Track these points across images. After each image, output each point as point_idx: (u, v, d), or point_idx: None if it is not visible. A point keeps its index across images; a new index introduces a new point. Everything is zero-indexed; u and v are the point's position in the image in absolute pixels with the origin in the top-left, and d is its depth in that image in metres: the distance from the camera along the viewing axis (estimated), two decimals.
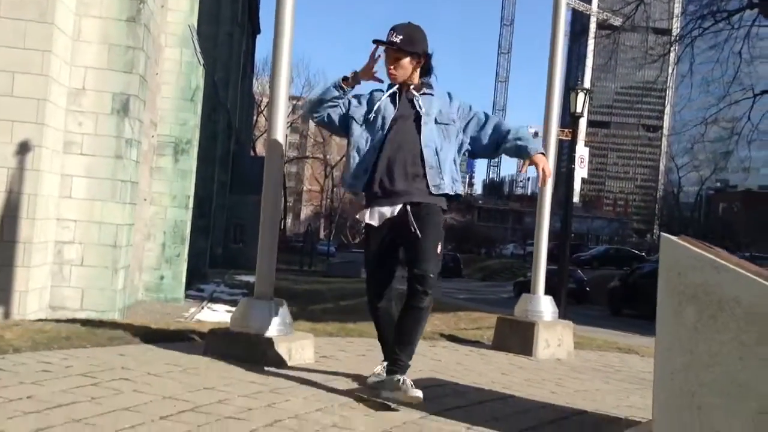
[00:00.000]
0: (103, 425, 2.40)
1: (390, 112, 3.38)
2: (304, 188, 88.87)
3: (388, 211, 3.28)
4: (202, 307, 14.41)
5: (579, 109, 12.91)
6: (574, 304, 21.97)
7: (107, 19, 9.38)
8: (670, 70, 27.23)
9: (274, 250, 3.98)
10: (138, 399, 2.80)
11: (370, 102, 3.46)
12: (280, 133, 4.05)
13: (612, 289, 22.67)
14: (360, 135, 3.43)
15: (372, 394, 3.17)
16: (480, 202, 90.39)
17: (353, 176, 3.38)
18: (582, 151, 13.51)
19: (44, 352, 3.55)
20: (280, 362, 3.73)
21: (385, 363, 3.31)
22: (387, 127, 3.34)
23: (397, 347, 3.19)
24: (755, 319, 2.40)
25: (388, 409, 3.03)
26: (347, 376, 3.72)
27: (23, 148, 8.22)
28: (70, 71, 9.24)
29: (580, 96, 12.79)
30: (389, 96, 3.42)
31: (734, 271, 2.45)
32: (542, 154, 3.44)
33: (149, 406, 2.71)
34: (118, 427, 2.40)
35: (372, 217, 3.31)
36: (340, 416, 2.86)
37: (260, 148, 49.85)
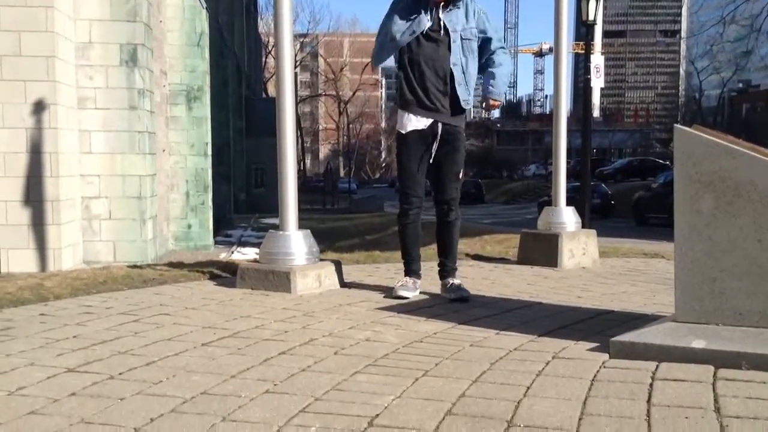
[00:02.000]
0: (148, 354, 2.53)
1: (424, 25, 3.73)
2: (320, 127, 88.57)
3: (421, 122, 3.79)
4: (232, 252, 14.66)
5: (591, 17, 12.58)
6: (600, 218, 21.96)
7: None
8: None
9: (295, 182, 4.04)
10: (179, 330, 2.92)
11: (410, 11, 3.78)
12: (288, 69, 4.05)
13: (637, 200, 22.57)
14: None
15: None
16: (498, 125, 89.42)
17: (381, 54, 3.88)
18: (597, 60, 13.23)
19: (84, 297, 3.69)
20: (310, 288, 3.85)
21: (409, 278, 3.86)
22: (420, 42, 3.74)
23: (442, 257, 3.95)
24: None
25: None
26: (377, 296, 3.82)
27: (38, 107, 8.29)
28: (75, 25, 9.21)
29: (592, 3, 12.44)
30: (424, 10, 3.74)
31: (749, 155, 2.46)
32: (497, 101, 3.97)
33: (190, 336, 2.83)
34: (163, 355, 2.52)
35: (403, 125, 3.82)
36: (373, 331, 2.96)
37: (272, 90, 49.53)
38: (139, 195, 9.69)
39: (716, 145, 2.50)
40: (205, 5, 14.78)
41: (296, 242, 3.95)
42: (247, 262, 4.25)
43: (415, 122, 3.80)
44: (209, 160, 15.12)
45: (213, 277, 4.40)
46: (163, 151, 13.63)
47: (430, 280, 4.13)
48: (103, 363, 2.42)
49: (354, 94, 72.24)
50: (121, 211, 9.62)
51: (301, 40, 63.31)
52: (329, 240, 15.94)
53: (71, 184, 9.08)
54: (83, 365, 2.39)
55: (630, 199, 23.61)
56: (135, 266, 4.82)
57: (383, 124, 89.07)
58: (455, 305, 3.62)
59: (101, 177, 9.54)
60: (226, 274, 4.45)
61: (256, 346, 2.68)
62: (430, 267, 4.28)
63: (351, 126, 71.09)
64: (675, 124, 2.63)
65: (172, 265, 4.93)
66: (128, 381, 2.22)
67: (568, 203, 5.52)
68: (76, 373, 2.31)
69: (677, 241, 2.58)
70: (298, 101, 50.98)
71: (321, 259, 4.15)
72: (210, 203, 15.15)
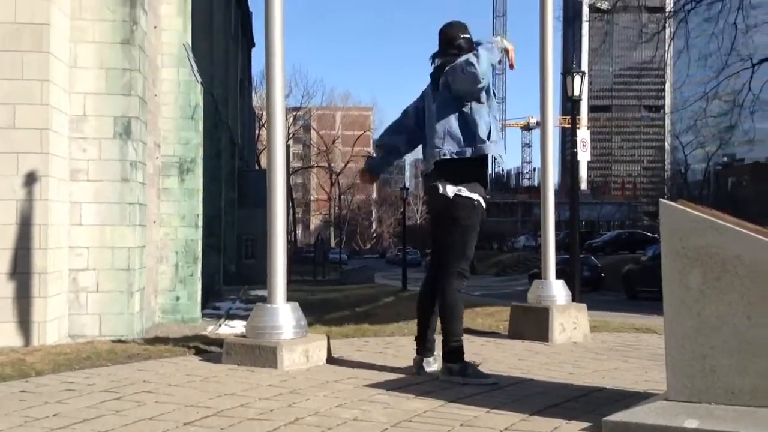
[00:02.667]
0: None
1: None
2: (312, 198, 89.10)
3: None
4: (220, 325, 14.48)
5: (576, 92, 12.91)
6: (590, 291, 21.94)
7: (102, 43, 9.48)
8: (666, 48, 27.15)
9: (284, 253, 4.03)
10: (161, 409, 2.85)
11: None
12: (280, 138, 4.10)
13: (627, 273, 22.61)
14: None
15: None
16: (488, 197, 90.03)
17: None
18: (583, 134, 13.50)
19: (66, 373, 3.61)
20: (297, 364, 3.78)
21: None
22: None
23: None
24: (759, 276, 2.42)
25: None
26: (365, 373, 3.76)
27: (30, 179, 8.32)
28: (70, 98, 9.35)
29: (576, 79, 12.80)
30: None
31: (734, 230, 2.48)
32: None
33: (173, 415, 2.76)
34: None
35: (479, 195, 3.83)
36: (360, 410, 2.90)
37: (265, 162, 50.01)
38: (128, 267, 9.63)
39: (702, 220, 2.52)
40: (200, 80, 15.08)
41: (284, 316, 3.91)
42: (234, 337, 4.19)
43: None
44: (200, 231, 15.12)
45: (198, 352, 4.32)
46: (154, 222, 13.64)
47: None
48: None
49: (346, 165, 73.00)
50: (108, 283, 9.54)
51: (294, 113, 64.37)
52: (319, 312, 15.81)
53: (59, 256, 9.03)
54: None
55: (620, 271, 23.65)
56: (120, 341, 4.74)
57: (374, 195, 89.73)
58: (445, 382, 3.56)
59: (90, 249, 9.50)
60: (213, 349, 4.37)
61: (240, 425, 2.61)
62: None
63: (342, 197, 71.58)
64: (660, 199, 2.65)
65: (157, 339, 4.85)
66: None
67: (558, 275, 5.51)
68: None
69: (666, 317, 2.56)
70: (291, 172, 51.45)
71: (309, 333, 4.09)
72: (199, 275, 15.06)
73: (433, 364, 3.79)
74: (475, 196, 3.74)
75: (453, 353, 3.60)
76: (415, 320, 3.95)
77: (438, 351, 3.77)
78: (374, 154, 4.14)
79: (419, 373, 3.72)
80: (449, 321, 3.64)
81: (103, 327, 9.39)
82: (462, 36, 3.82)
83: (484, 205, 3.83)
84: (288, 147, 48.31)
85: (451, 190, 3.66)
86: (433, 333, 3.84)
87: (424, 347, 3.81)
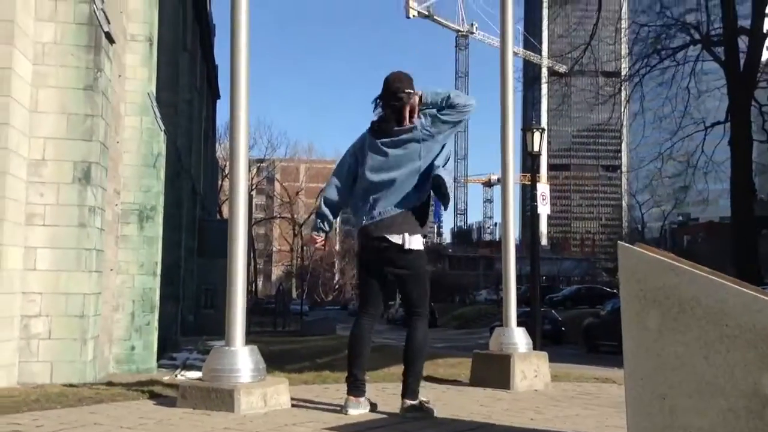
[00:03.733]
0: None
1: None
2: (274, 249, 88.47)
3: None
4: (176, 375, 14.09)
5: (536, 148, 13.20)
6: (551, 344, 22.00)
7: (64, 88, 9.40)
8: (622, 110, 28.03)
9: (244, 296, 3.98)
10: None
11: None
12: (243, 184, 4.10)
13: (587, 327, 22.78)
14: None
15: None
16: (450, 250, 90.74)
17: None
18: (543, 188, 13.76)
19: (13, 415, 3.46)
20: (255, 408, 3.69)
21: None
22: None
23: None
24: (716, 317, 2.47)
25: None
26: (324, 417, 3.69)
27: None
28: (30, 142, 9.21)
29: (536, 135, 13.10)
30: None
31: (691, 272, 2.53)
32: None
33: None
34: None
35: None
36: None
37: (227, 212, 49.64)
38: (82, 314, 9.36)
39: (659, 263, 2.57)
40: (163, 128, 15.03)
41: (242, 358, 3.84)
42: (190, 380, 4.08)
43: None
44: (158, 280, 14.83)
45: (153, 396, 4.20)
46: (111, 270, 13.35)
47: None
48: None
49: (309, 217, 72.89)
50: (61, 330, 9.24)
51: (258, 165, 64.39)
52: (279, 362, 15.49)
53: (11, 302, 8.74)
54: None
55: (580, 325, 23.82)
56: (71, 385, 4.58)
57: (337, 247, 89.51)
58: (407, 425, 3.51)
59: (43, 295, 9.22)
60: (168, 393, 4.25)
61: None
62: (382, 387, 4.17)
63: (305, 248, 71.22)
64: (619, 242, 2.71)
65: (110, 384, 4.71)
66: None
67: (520, 327, 5.53)
68: None
69: (626, 357, 2.58)
70: (253, 223, 51.18)
71: (268, 377, 4.01)
72: (156, 324, 14.70)
73: (362, 407, 3.84)
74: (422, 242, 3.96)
75: (417, 392, 3.86)
76: (375, 370, 4.08)
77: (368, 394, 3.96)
78: (322, 216, 4.09)
79: (346, 413, 3.77)
80: (419, 361, 3.90)
81: (55, 375, 9.05)
82: (405, 90, 3.85)
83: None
84: (251, 198, 48.14)
85: (417, 242, 3.83)
86: (364, 374, 3.95)
87: (358, 388, 3.88)
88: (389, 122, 3.85)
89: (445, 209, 4.13)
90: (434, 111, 3.86)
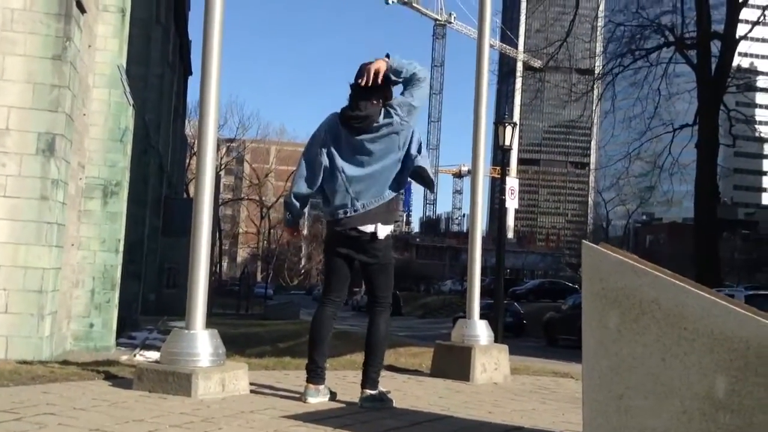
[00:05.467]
0: None
1: None
2: (240, 231, 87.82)
3: None
4: (135, 355, 13.91)
5: (507, 142, 13.26)
6: (512, 336, 22.22)
7: (31, 57, 9.17)
8: (593, 108, 28.29)
9: (206, 278, 3.92)
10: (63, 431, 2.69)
11: None
12: (210, 164, 4.03)
13: (548, 320, 23.08)
14: None
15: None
16: (418, 239, 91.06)
17: None
18: (512, 183, 13.84)
19: None
20: (213, 393, 3.65)
21: None
22: None
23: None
24: (674, 320, 2.49)
25: None
26: (283, 404, 3.67)
27: None
28: None
29: (508, 129, 13.16)
30: None
31: (653, 274, 2.55)
32: None
33: None
34: None
35: None
36: None
37: (194, 191, 49.08)
38: (40, 289, 9.18)
39: (622, 263, 2.59)
40: (131, 102, 14.76)
41: (202, 342, 3.79)
42: (147, 363, 4.03)
43: None
44: (120, 257, 14.60)
45: (108, 377, 4.13)
46: (72, 245, 13.11)
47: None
48: None
49: (278, 200, 72.46)
50: (18, 305, 9.06)
51: (228, 144, 63.73)
52: (240, 346, 15.41)
53: None
54: None
55: (541, 319, 24.11)
56: (25, 362, 4.48)
57: (305, 231, 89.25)
58: (365, 415, 3.51)
59: (1, 268, 9.03)
60: (124, 375, 4.18)
61: None
62: (342, 376, 4.15)
63: (272, 231, 70.84)
64: (583, 241, 2.72)
65: (65, 363, 4.62)
66: None
67: (483, 320, 5.56)
68: None
69: (585, 356, 2.60)
70: (220, 203, 50.70)
71: (228, 362, 3.97)
72: (116, 302, 14.48)
73: (322, 395, 3.82)
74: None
75: (377, 381, 3.86)
76: (337, 357, 4.07)
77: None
78: (293, 209, 4.03)
79: (305, 401, 3.75)
80: (381, 352, 3.91)
81: (10, 350, 8.88)
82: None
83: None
84: (219, 177, 47.61)
85: (387, 232, 3.85)
86: (325, 361, 3.92)
87: (318, 375, 3.85)
88: (358, 110, 3.78)
89: (432, 192, 4.13)
90: (408, 100, 3.83)
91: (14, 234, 9.05)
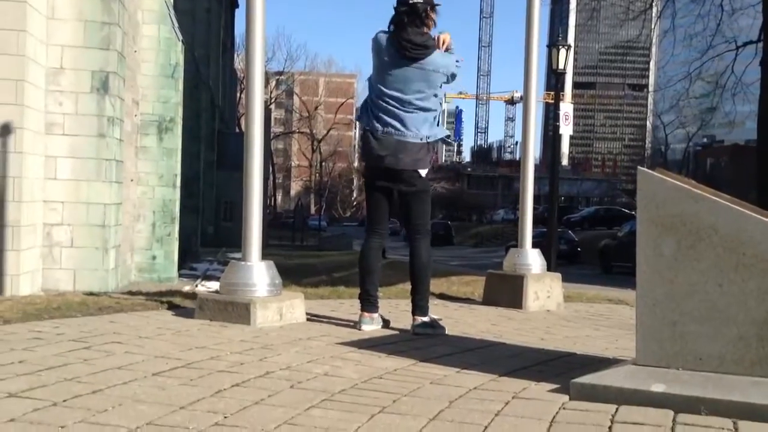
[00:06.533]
0: (95, 383, 2.43)
1: None
2: (293, 164, 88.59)
3: None
4: (197, 285, 14.39)
5: (561, 66, 12.86)
6: (566, 264, 22.15)
7: None
8: (652, 27, 27.09)
9: (260, 211, 3.99)
10: (130, 359, 2.83)
11: None
12: (258, 101, 4.04)
13: (603, 248, 22.84)
14: None
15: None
16: (469, 169, 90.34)
17: None
18: (566, 108, 13.48)
19: (35, 322, 3.57)
20: (270, 321, 3.77)
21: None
22: None
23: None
24: (733, 245, 2.44)
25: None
26: (339, 331, 3.76)
27: (5, 131, 8.15)
28: (47, 50, 9.12)
29: (562, 52, 12.73)
30: None
31: (710, 200, 2.49)
32: None
33: (141, 365, 2.74)
34: (111, 384, 2.42)
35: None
36: (331, 366, 2.90)
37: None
38: (103, 223, 9.51)
39: (678, 189, 2.52)
40: (180, 38, 14.80)
41: (258, 273, 3.89)
42: (207, 293, 4.17)
43: None
44: (178, 191, 14.95)
45: (171, 307, 4.29)
46: (131, 180, 13.46)
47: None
48: (48, 389, 2.32)
49: (328, 132, 72.56)
50: (83, 239, 9.42)
51: (277, 78, 63.62)
52: (296, 276, 15.78)
53: (33, 210, 8.88)
54: (26, 391, 2.29)
55: (596, 247, 23.88)
56: (92, 294, 4.69)
57: (356, 164, 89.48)
58: (418, 342, 3.57)
59: (65, 204, 9.36)
60: (186, 305, 4.35)
61: (209, 377, 2.60)
62: (395, 304, 4.22)
63: (324, 164, 71.25)
64: (638, 167, 2.65)
65: (130, 293, 4.82)
66: (72, 408, 2.13)
67: (535, 248, 5.54)
68: (18, 398, 2.21)
69: (639, 283, 2.58)
70: (272, 137, 51.01)
71: (284, 292, 4.08)
72: (176, 235, 14.93)
73: (375, 323, 3.94)
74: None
75: (426, 308, 3.93)
76: (389, 286, 4.17)
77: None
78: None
79: (359, 329, 3.85)
80: (427, 279, 3.98)
81: (78, 283, 9.29)
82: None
83: None
84: (269, 111, 47.69)
85: (425, 171, 3.96)
86: (377, 290, 4.03)
87: (371, 303, 3.96)
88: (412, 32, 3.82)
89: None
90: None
91: (75, 171, 9.34)
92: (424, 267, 3.94)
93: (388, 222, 4.12)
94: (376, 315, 3.94)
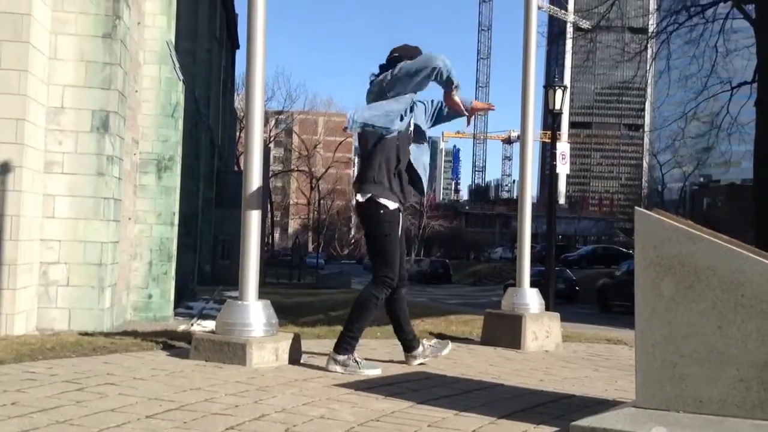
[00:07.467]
0: (88, 426, 2.39)
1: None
2: (291, 202, 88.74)
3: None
4: (192, 324, 14.31)
5: (558, 106, 12.99)
6: (565, 303, 22.07)
7: (83, 36, 9.36)
8: (647, 68, 27.44)
9: (258, 250, 3.98)
10: (123, 401, 2.79)
11: None
12: (258, 140, 4.06)
13: (601, 287, 22.77)
14: None
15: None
16: (467, 207, 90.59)
17: None
18: (563, 147, 13.58)
19: (29, 363, 3.53)
20: (267, 362, 3.73)
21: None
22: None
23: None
24: (731, 287, 2.43)
25: None
26: (335, 373, 3.72)
27: (4, 169, 8.17)
28: (48, 90, 9.21)
29: (558, 92, 12.87)
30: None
31: (708, 240, 2.48)
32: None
33: (135, 407, 2.70)
34: (103, 427, 2.39)
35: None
36: (328, 408, 2.86)
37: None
38: (100, 262, 9.48)
39: (676, 230, 2.52)
40: (181, 78, 14.96)
41: (255, 313, 3.86)
42: (203, 333, 4.13)
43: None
44: (175, 229, 14.96)
45: (166, 347, 4.25)
46: (129, 219, 13.47)
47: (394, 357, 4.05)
48: None
49: (326, 170, 72.84)
50: (79, 277, 9.39)
51: (277, 117, 64.10)
52: (293, 315, 15.69)
53: (31, 248, 8.87)
54: None
55: (594, 285, 23.81)
56: (86, 334, 4.65)
57: (354, 202, 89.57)
58: (416, 383, 3.53)
59: (62, 242, 9.34)
60: (181, 345, 4.30)
61: (203, 420, 2.56)
62: (393, 344, 4.20)
63: (322, 202, 71.34)
64: (636, 207, 2.65)
65: (125, 333, 4.77)
66: None
67: (533, 287, 5.52)
68: None
69: (638, 324, 2.56)
70: (270, 175, 51.21)
71: (280, 332, 4.04)
72: (173, 273, 14.88)
73: (419, 358, 4.11)
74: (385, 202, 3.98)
75: (341, 345, 3.80)
76: (388, 325, 4.25)
77: (425, 342, 4.22)
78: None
79: (410, 364, 4.08)
80: (353, 314, 3.91)
81: (73, 322, 9.23)
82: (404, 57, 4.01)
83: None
84: (269, 150, 47.95)
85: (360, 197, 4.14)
86: (403, 330, 4.10)
87: (406, 344, 4.11)
88: None
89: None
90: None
91: (73, 209, 9.35)
92: (355, 303, 3.92)
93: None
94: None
